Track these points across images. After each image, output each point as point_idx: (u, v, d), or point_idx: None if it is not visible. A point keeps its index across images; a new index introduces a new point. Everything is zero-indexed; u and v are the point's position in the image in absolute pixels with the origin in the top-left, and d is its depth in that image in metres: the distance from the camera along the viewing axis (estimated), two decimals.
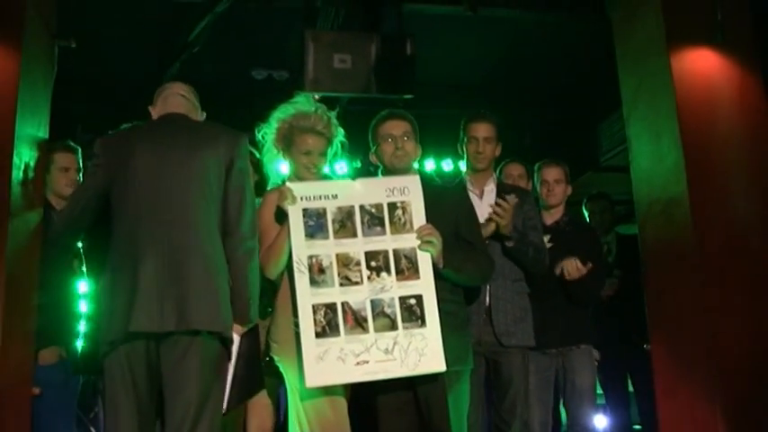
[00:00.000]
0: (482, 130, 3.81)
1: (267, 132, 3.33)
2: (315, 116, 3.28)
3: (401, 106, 3.99)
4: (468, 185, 3.86)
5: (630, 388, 5.16)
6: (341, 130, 3.35)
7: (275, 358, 3.19)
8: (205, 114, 3.25)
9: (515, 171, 4.27)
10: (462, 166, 4.08)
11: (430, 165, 6.75)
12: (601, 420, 5.18)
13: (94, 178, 3.00)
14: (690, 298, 3.89)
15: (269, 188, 3.43)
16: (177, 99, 3.12)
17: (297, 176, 3.29)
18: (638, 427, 5.25)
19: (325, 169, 3.40)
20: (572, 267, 3.87)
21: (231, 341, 2.90)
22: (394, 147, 3.36)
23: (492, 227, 3.61)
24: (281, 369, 3.18)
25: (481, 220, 3.61)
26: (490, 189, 3.86)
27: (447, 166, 6.88)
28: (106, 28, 5.18)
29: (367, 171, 4.49)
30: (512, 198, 3.61)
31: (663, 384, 4.09)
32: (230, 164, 2.93)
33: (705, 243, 3.85)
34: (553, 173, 4.20)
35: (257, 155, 3.72)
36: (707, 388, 3.77)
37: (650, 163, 4.20)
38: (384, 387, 3.14)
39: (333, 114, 3.35)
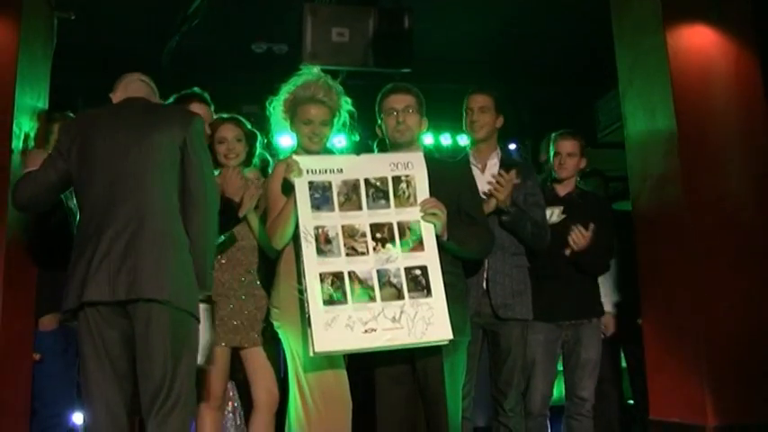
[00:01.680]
0: (477, 100, 3.88)
1: (276, 105, 3.36)
2: (315, 85, 3.30)
3: (398, 80, 4.01)
4: (472, 159, 3.88)
5: (624, 363, 5.21)
6: (347, 100, 3.36)
7: (276, 324, 3.22)
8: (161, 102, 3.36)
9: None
10: (461, 140, 4.10)
11: (428, 139, 6.72)
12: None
13: (53, 160, 3.07)
14: (681, 272, 3.94)
15: (274, 161, 3.45)
16: (137, 84, 3.23)
17: (302, 147, 3.31)
18: (631, 402, 5.30)
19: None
20: (577, 236, 3.91)
21: (193, 311, 2.96)
22: (395, 120, 3.38)
23: (494, 203, 3.64)
24: (282, 335, 3.20)
25: (482, 193, 3.65)
26: (493, 163, 3.88)
27: (445, 140, 6.87)
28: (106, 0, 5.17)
29: (365, 144, 4.49)
30: (511, 174, 3.64)
31: (653, 357, 4.14)
32: (184, 143, 3.02)
33: (697, 218, 3.89)
34: (567, 145, 4.14)
35: (248, 126, 3.75)
36: (696, 361, 3.82)
37: (644, 138, 4.23)
38: (382, 358, 3.19)
39: (336, 83, 3.36)
